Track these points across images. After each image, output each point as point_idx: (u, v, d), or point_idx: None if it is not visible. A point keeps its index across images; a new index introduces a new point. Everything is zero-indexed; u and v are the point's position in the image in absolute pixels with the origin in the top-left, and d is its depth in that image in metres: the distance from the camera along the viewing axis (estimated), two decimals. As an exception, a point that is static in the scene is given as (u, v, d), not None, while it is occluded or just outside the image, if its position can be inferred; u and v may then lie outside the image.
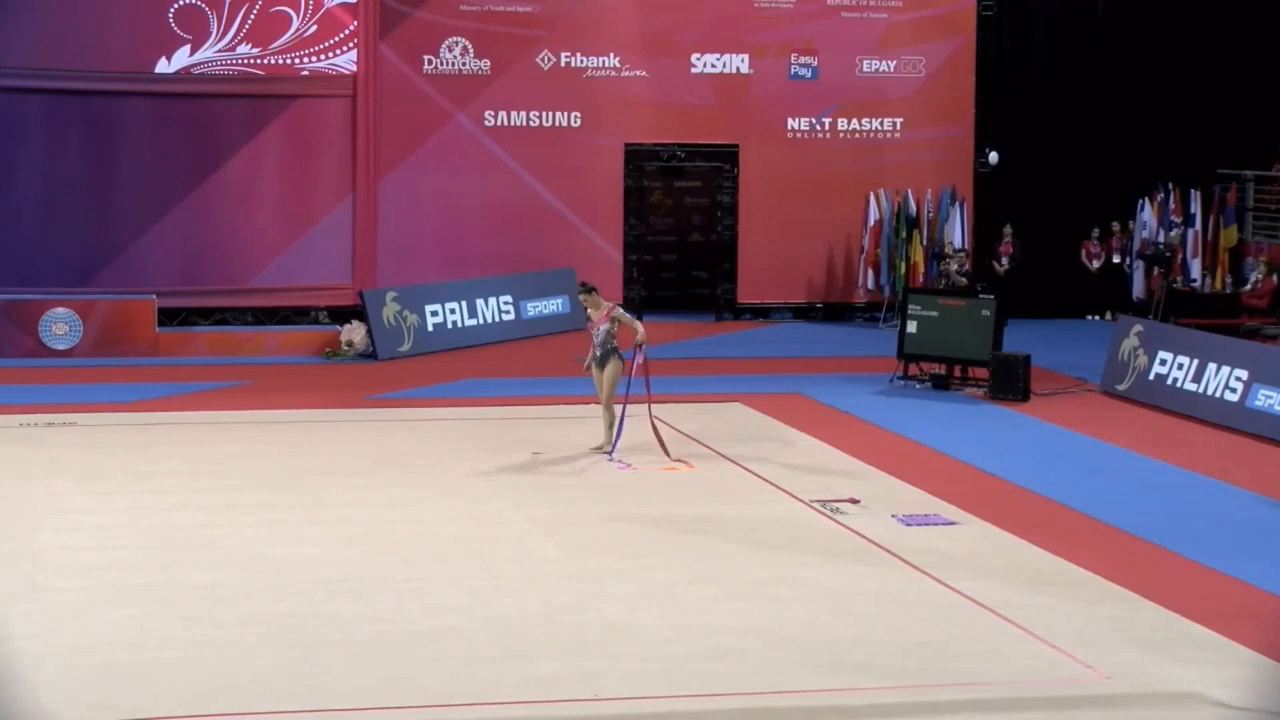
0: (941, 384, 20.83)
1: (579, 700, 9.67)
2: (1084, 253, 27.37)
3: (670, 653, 10.45)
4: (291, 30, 24.87)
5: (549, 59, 26.17)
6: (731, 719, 9.60)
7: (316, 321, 24.92)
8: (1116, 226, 27.11)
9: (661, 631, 10.89)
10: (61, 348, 23.01)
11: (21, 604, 11.38)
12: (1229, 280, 25.52)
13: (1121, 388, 20.37)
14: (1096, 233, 27.30)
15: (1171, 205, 25.93)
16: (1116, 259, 27.08)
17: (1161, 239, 25.75)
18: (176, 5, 24.49)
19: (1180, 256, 25.54)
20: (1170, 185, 25.91)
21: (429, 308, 24.06)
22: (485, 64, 25.96)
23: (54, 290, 23.55)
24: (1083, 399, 20.38)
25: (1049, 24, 27.93)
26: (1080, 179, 27.17)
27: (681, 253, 28.36)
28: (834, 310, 27.22)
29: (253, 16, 24.72)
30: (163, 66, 24.54)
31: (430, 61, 25.78)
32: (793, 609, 11.44)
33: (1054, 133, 27.36)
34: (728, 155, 26.90)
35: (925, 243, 26.38)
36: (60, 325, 23.07)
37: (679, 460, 16.14)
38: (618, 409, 16.50)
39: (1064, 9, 27.93)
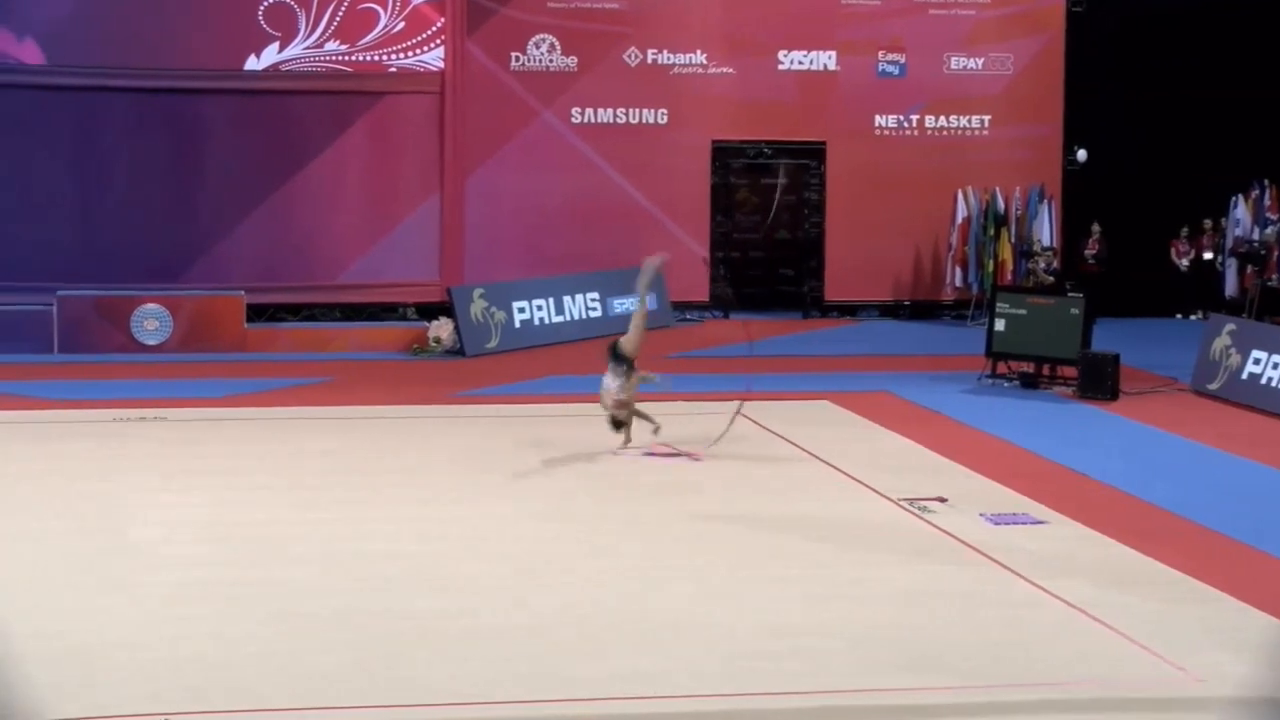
0: (1030, 383, 20.65)
1: (657, 698, 9.64)
2: (1173, 251, 27.10)
3: (748, 650, 10.38)
4: (379, 27, 24.98)
5: (635, 56, 26.15)
6: (809, 717, 9.54)
7: (404, 318, 25.00)
8: (1208, 224, 26.81)
9: (741, 629, 10.82)
10: (152, 343, 23.22)
11: (108, 598, 11.46)
12: (1325, 279, 25.22)
13: (1213, 387, 20.11)
14: (1185, 231, 27.02)
15: (1267, 202, 25.63)
16: (1208, 255, 26.79)
17: (1256, 236, 25.45)
18: (266, 3, 24.66)
19: (1276, 254, 25.24)
20: (1265, 182, 25.60)
21: (516, 304, 24.08)
22: (572, 61, 25.97)
23: (145, 286, 23.76)
24: (1173, 398, 20.15)
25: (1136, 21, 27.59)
26: (1171, 176, 26.84)
27: (768, 250, 28.24)
28: (921, 308, 27.06)
29: (341, 13, 24.85)
30: (251, 64, 24.72)
31: (517, 58, 25.82)
32: (878, 607, 11.35)
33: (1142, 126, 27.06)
34: (814, 152, 26.79)
35: (1014, 241, 26.18)
36: (151, 321, 23.28)
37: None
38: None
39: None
